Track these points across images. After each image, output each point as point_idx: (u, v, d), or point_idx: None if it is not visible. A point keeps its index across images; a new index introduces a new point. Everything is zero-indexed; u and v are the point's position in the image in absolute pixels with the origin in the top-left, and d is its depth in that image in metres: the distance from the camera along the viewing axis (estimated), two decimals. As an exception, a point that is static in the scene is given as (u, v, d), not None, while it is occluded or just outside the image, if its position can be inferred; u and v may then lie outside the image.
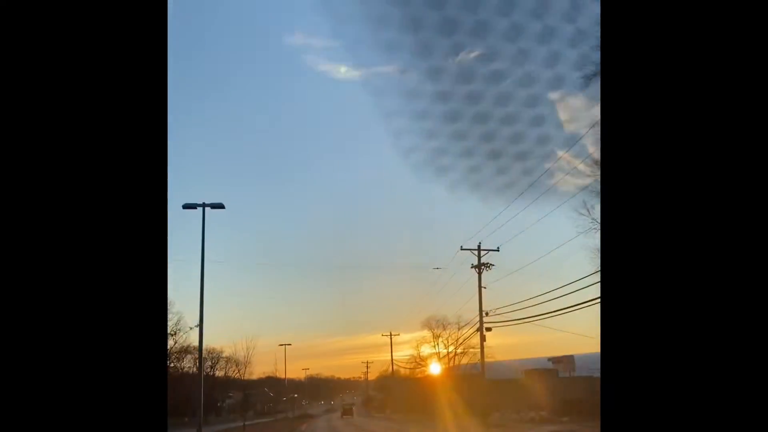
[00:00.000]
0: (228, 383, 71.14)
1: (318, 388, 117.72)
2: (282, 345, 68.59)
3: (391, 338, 62.99)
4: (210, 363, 64.18)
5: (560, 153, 22.68)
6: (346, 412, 66.88)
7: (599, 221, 2.90)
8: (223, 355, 66.75)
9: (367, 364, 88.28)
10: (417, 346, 54.40)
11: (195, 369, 55.51)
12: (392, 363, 64.62)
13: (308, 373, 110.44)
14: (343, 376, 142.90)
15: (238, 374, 72.94)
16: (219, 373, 68.56)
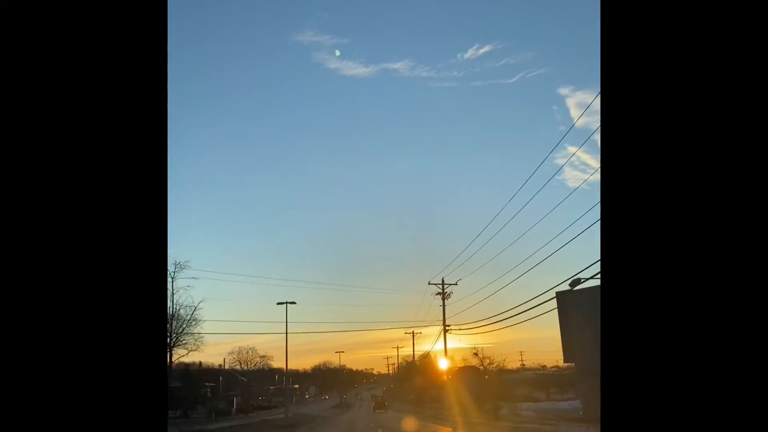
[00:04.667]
0: (202, 372, 58.79)
1: (326, 379, 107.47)
2: (280, 303, 46.77)
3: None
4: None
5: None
6: (379, 405, 58.18)
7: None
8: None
9: (398, 348, 77.02)
10: None
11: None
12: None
13: (314, 361, 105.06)
14: (356, 367, 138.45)
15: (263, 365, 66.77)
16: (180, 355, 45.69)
